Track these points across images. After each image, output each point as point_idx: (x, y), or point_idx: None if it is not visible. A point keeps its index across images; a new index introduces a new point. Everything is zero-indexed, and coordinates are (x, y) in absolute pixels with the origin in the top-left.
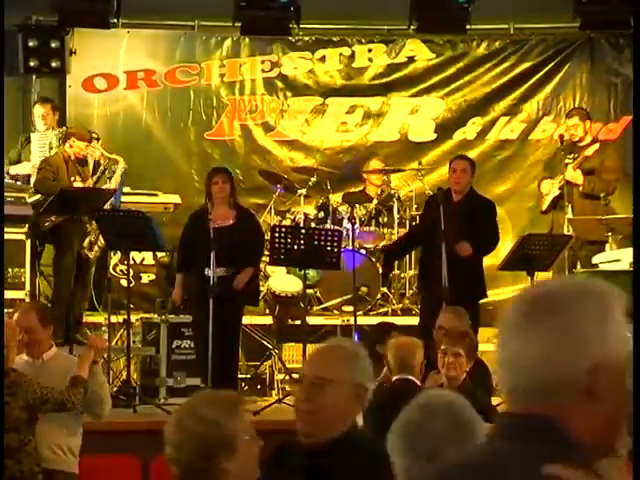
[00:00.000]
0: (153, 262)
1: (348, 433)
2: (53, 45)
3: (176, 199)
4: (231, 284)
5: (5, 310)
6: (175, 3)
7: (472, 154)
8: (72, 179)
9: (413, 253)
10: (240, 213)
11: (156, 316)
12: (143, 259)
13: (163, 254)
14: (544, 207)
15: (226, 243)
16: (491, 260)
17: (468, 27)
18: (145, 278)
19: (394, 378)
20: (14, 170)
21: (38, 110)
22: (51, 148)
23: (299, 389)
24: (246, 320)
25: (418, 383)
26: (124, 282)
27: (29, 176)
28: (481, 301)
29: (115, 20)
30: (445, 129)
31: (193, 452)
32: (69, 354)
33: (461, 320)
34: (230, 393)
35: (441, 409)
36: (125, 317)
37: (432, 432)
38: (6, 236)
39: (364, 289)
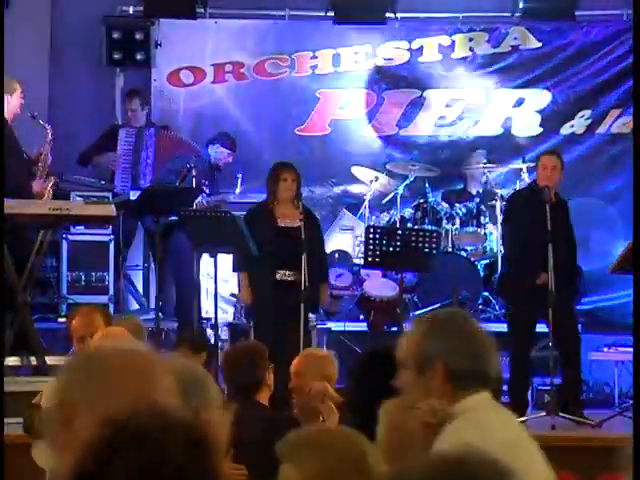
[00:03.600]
0: None
1: None
2: (138, 37)
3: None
4: (299, 289)
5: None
6: None
7: (581, 149)
8: None
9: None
10: (306, 214)
11: (244, 321)
12: None
13: None
14: None
15: (294, 245)
16: (602, 262)
17: (577, 13)
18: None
19: None
20: (97, 160)
21: (128, 104)
22: (137, 151)
23: None
24: (339, 326)
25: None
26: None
27: (112, 172)
28: (593, 306)
29: (202, 10)
30: (551, 123)
31: None
32: None
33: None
34: None
35: None
36: (212, 323)
37: None
38: (88, 238)
39: (463, 293)
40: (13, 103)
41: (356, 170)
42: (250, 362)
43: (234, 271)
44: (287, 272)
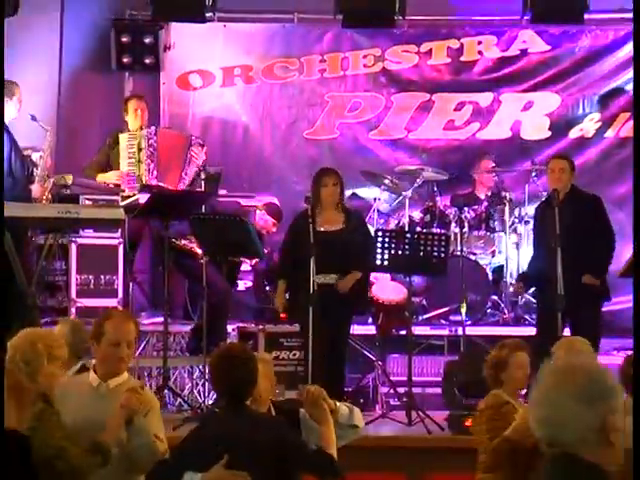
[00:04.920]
0: (250, 268)
1: None
2: (147, 41)
3: (273, 201)
4: (339, 292)
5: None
6: None
7: (590, 153)
8: None
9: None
10: (349, 216)
11: (253, 325)
12: (240, 265)
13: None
14: None
15: (335, 248)
16: (611, 267)
17: (587, 16)
18: (241, 285)
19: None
20: (101, 179)
21: (133, 105)
22: (140, 150)
23: None
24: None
25: None
26: None
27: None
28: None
29: (211, 14)
30: (560, 126)
31: None
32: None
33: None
34: None
35: None
36: None
37: None
38: (98, 241)
39: (472, 297)
40: (12, 106)
41: (365, 174)
42: (246, 367)
43: (278, 279)
44: (328, 276)
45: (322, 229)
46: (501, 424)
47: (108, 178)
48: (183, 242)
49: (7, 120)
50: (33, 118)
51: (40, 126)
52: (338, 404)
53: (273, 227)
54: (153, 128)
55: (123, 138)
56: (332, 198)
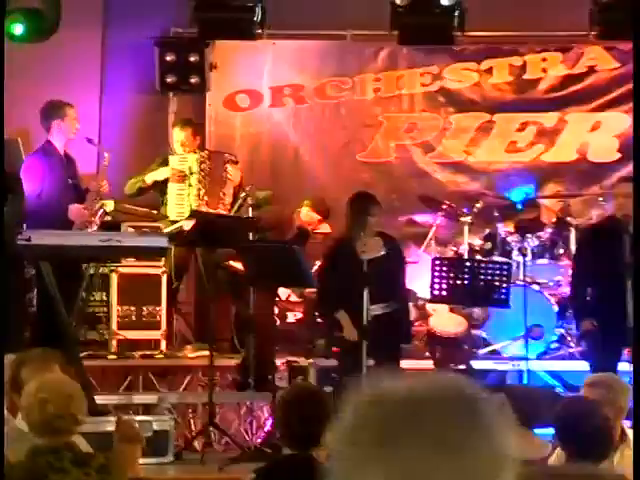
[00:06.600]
0: (300, 299)
1: None
2: (192, 59)
3: (325, 228)
4: (388, 322)
5: (139, 352)
6: (325, 11)
7: None
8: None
9: None
10: (388, 242)
11: (303, 359)
12: (289, 296)
13: (311, 290)
14: None
15: (381, 276)
16: None
17: None
18: (291, 317)
19: None
20: (151, 178)
21: (177, 135)
22: (192, 174)
23: None
24: (403, 364)
25: None
26: None
27: (166, 182)
28: None
29: (259, 31)
30: (630, 148)
31: None
32: None
33: None
34: None
35: None
36: None
37: None
38: (141, 271)
39: (537, 329)
40: (65, 128)
41: (422, 198)
42: (317, 410)
43: (325, 314)
44: (377, 306)
45: (368, 257)
46: None
47: (158, 174)
48: (231, 262)
49: (59, 142)
50: (89, 141)
51: (98, 149)
52: None
53: (319, 224)
54: (206, 152)
55: (174, 160)
56: (378, 227)
